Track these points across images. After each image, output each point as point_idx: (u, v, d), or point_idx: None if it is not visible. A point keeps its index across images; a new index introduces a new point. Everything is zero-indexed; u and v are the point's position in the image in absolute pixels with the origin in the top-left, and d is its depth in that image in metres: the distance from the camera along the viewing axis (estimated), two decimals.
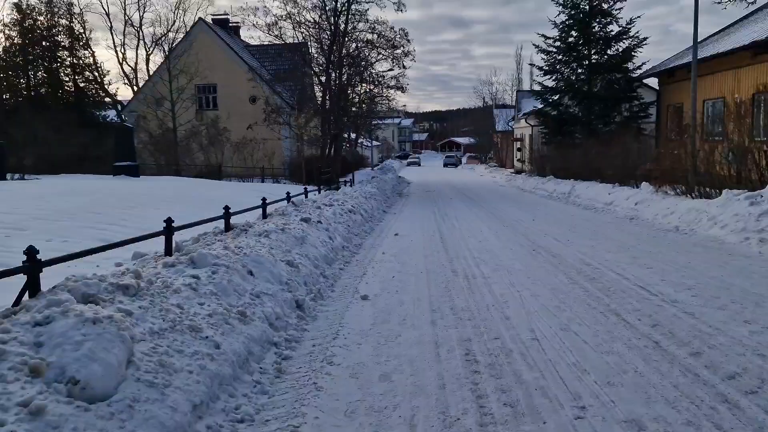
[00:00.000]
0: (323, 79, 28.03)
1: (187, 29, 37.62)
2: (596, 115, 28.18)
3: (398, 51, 26.08)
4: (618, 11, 27.66)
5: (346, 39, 26.35)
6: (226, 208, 7.54)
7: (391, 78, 28.17)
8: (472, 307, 5.95)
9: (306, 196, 13.28)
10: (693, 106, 14.77)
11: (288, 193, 11.67)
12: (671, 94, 25.40)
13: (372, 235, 12.19)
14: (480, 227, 12.92)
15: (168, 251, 5.96)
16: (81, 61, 37.18)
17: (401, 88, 26.97)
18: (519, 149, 47.98)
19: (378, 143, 73.49)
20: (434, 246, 10.43)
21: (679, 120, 24.11)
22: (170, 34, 47.02)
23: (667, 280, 6.88)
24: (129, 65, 51.50)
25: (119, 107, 40.23)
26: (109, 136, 24.49)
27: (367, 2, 26.17)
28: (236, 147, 27.27)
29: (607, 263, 8.10)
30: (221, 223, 7.95)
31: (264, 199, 9.55)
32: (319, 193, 15.29)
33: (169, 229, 5.92)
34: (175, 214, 6.49)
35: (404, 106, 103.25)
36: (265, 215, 9.55)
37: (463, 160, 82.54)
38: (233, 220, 8.54)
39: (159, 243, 6.10)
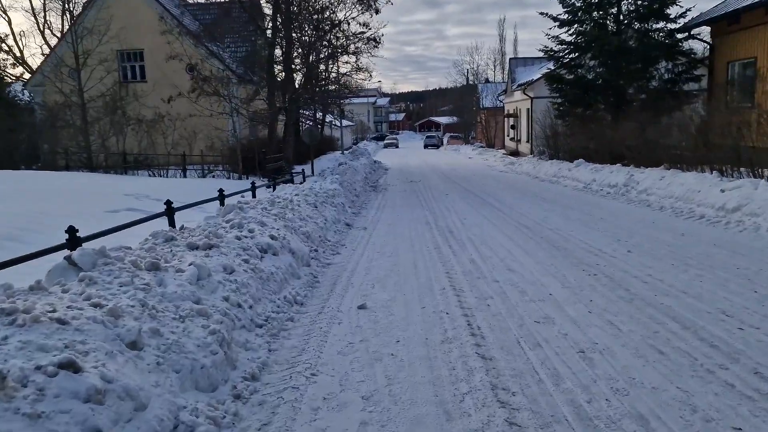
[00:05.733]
0: (270, 34, 20.94)
1: None
2: (626, 78, 21.50)
3: None
4: None
5: None
6: None
7: (361, 34, 21.14)
8: None
9: (171, 223, 6.33)
10: None
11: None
12: (734, 46, 18.82)
13: (306, 310, 5.37)
14: (538, 278, 6.17)
15: None
16: None
17: (375, 40, 19.89)
18: (513, 126, 41.35)
19: (351, 123, 66.30)
20: (464, 375, 3.69)
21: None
22: None
23: None
24: (55, 34, 43.57)
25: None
26: None
27: None
28: (139, 126, 19.79)
29: None
30: None
31: None
32: (271, 188, 8.27)
33: None
34: None
35: (380, 82, 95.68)
36: None
37: (445, 140, 75.72)
38: None
39: None
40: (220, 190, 8.18)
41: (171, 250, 5.01)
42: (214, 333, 3.76)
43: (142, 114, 21.99)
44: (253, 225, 6.68)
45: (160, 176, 17.90)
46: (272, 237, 6.46)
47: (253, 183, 9.97)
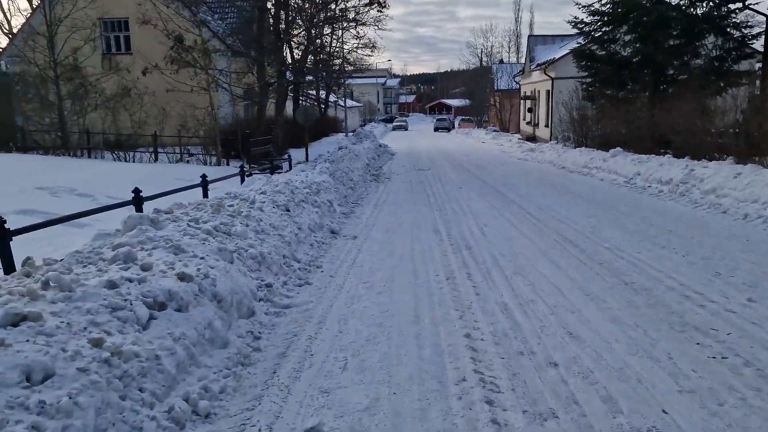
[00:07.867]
0: None
1: None
2: (667, 55, 18.61)
3: None
4: None
5: None
6: None
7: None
8: None
9: (4, 258, 3.82)
10: None
11: None
12: None
13: None
14: (625, 359, 3.62)
15: None
16: None
17: (380, 3, 17.16)
18: (530, 110, 38.40)
19: (358, 104, 63.46)
20: None
21: None
22: None
23: None
24: None
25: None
26: None
27: None
28: (99, 101, 17.19)
29: None
30: None
31: None
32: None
33: None
34: None
35: (389, 60, 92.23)
36: None
37: (456, 123, 72.69)
38: None
39: None
40: (136, 191, 5.63)
41: None
42: None
43: (109, 89, 19.37)
44: (157, 254, 4.16)
45: (126, 161, 15.39)
46: (181, 276, 3.93)
47: (203, 176, 7.42)
